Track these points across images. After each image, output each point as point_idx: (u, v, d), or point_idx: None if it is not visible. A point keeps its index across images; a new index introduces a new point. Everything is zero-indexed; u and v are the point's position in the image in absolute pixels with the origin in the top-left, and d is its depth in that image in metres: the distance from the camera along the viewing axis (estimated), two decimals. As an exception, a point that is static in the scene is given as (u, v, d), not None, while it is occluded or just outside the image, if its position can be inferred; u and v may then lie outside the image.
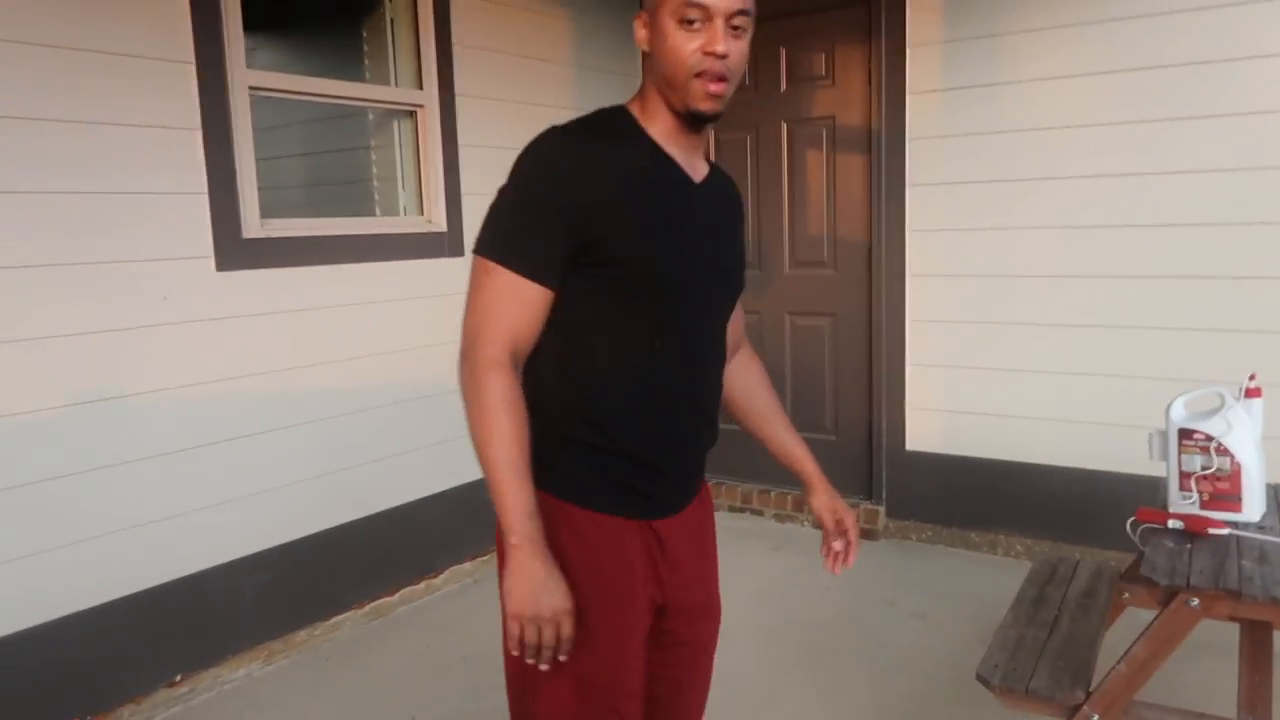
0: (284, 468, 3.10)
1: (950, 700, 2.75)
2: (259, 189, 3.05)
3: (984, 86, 3.71)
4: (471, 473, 1.62)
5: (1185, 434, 2.31)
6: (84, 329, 2.63)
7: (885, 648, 3.12)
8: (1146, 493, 2.41)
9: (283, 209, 3.26)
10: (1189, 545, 2.19)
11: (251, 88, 3.00)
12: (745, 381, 1.74)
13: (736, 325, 1.67)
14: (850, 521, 1.69)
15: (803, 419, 4.43)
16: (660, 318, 1.39)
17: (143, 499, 2.79)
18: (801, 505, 4.34)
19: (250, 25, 3.02)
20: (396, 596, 3.49)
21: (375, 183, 3.82)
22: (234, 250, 2.97)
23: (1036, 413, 3.76)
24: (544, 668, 1.30)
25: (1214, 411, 2.32)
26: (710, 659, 1.61)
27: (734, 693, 2.87)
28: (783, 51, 4.25)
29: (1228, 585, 1.97)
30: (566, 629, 1.29)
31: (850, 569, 1.70)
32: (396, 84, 3.58)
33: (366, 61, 3.76)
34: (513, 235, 1.32)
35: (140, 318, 2.76)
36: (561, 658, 1.30)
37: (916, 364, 4.03)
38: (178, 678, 2.88)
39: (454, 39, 3.63)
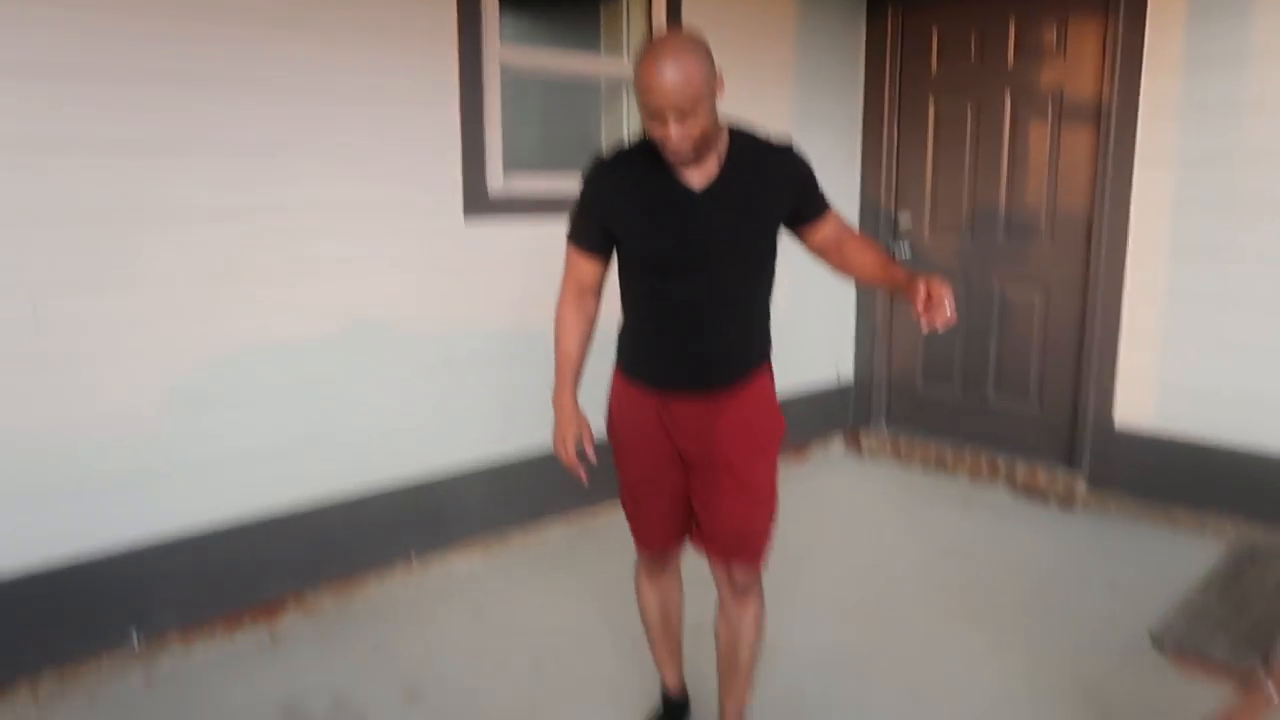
0: (514, 391, 3.51)
1: (1127, 663, 2.75)
2: (503, 152, 3.44)
3: (1228, 59, 3.52)
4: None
5: None
6: (354, 257, 3.11)
7: (1069, 610, 3.14)
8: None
9: (520, 164, 3.61)
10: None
11: (502, 63, 3.38)
12: (856, 251, 2.14)
13: (831, 231, 2.13)
14: (937, 285, 1.84)
15: (1006, 386, 4.41)
16: (655, 281, 2.04)
17: (397, 404, 3.27)
18: (996, 469, 4.34)
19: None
20: (600, 515, 3.86)
21: (603, 143, 4.15)
22: (480, 203, 3.38)
23: (1261, 394, 3.58)
24: (581, 477, 2.20)
25: None
26: (724, 490, 2.14)
27: (909, 636, 3.00)
28: (1012, 26, 4.20)
29: None
30: (569, 448, 2.18)
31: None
32: (629, 58, 3.88)
33: (602, 35, 4.08)
34: (572, 224, 2.13)
35: (402, 257, 3.22)
36: (582, 471, 2.20)
37: (1131, 337, 3.91)
38: (413, 560, 3.36)
39: (683, 18, 3.88)
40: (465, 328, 3.42)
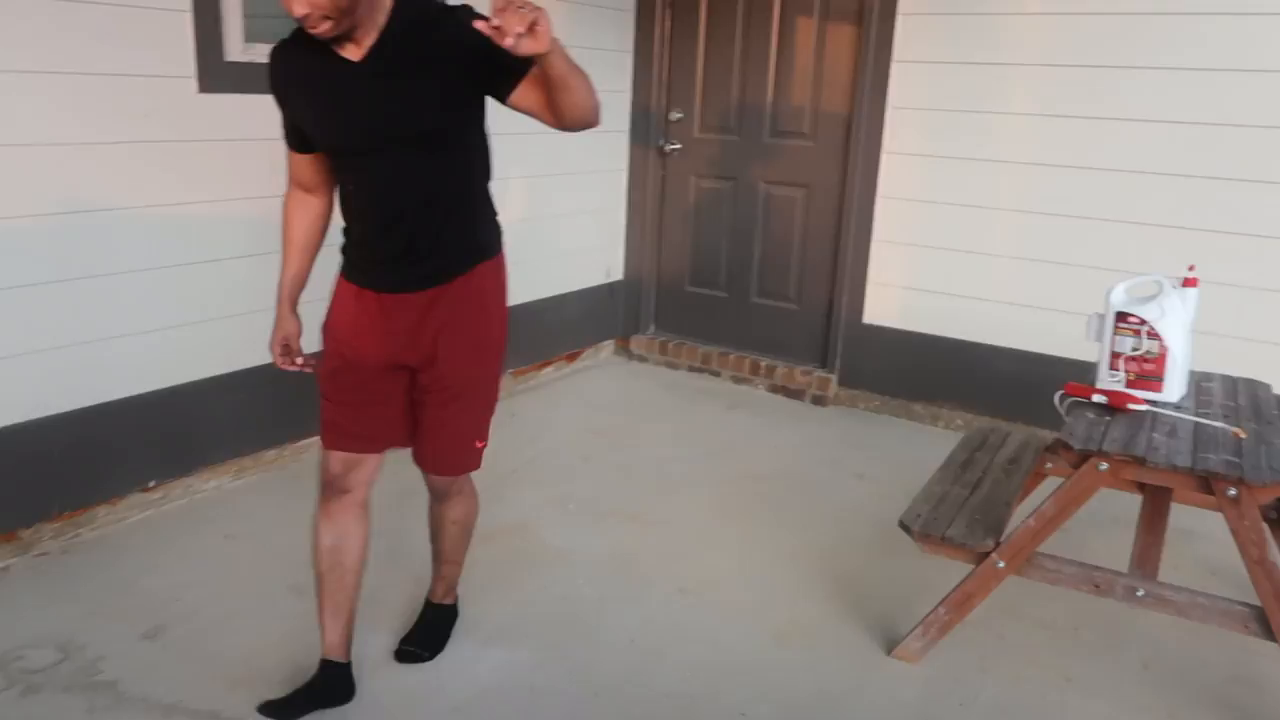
0: (262, 294, 3.17)
1: (876, 548, 2.98)
2: (244, 14, 3.02)
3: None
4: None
5: (1121, 317, 2.45)
6: (71, 140, 2.65)
7: (824, 501, 3.34)
8: (1083, 375, 2.58)
9: (271, 35, 3.21)
10: (1108, 418, 2.36)
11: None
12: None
13: (542, 90, 1.73)
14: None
15: (768, 287, 4.55)
16: (342, 168, 1.94)
17: (123, 311, 2.87)
18: (758, 369, 4.50)
19: None
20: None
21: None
22: (217, 72, 2.97)
23: (989, 294, 3.91)
24: (296, 368, 2.19)
25: (1151, 298, 2.46)
26: (432, 395, 2.06)
27: (679, 533, 3.08)
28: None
29: (1135, 452, 2.14)
30: (275, 349, 2.19)
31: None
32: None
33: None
34: None
35: (125, 133, 2.77)
36: (299, 361, 2.18)
37: (882, 240, 4.13)
38: (152, 484, 3.03)
39: None
40: (201, 220, 3.03)
